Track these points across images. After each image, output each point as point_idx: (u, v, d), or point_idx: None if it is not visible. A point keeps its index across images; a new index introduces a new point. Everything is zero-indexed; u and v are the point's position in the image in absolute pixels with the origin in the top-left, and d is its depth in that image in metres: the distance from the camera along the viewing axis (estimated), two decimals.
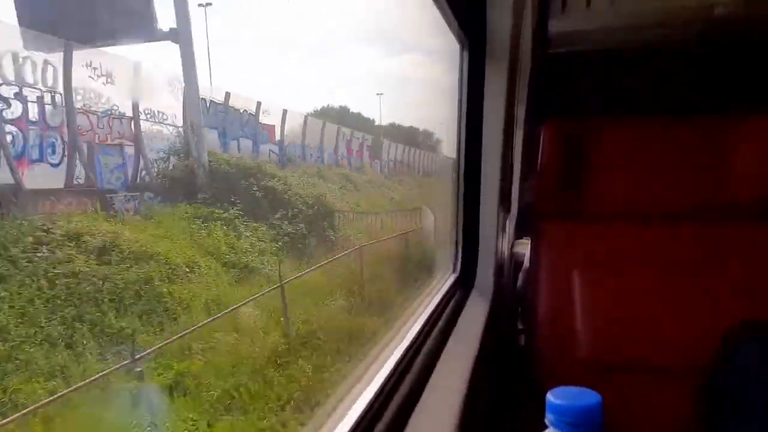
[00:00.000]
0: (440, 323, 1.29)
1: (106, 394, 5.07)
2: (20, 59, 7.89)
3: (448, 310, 1.39)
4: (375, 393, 0.88)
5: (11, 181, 7.50)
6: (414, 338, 1.14)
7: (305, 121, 14.70)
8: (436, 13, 1.32)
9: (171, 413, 5.07)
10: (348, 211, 11.83)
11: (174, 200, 9.10)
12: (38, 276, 6.14)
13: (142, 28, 9.60)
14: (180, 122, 10.37)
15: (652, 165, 1.38)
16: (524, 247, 1.81)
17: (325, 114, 16.07)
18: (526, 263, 1.68)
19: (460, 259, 1.71)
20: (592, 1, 1.95)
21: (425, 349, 1.11)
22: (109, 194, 8.43)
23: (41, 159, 8.14)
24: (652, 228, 1.34)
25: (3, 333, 5.14)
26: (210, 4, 11.63)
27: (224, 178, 10.03)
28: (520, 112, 2.05)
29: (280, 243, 9.23)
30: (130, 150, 9.44)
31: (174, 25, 10.09)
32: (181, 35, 10.00)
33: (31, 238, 6.50)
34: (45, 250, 6.50)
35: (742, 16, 1.93)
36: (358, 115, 19.86)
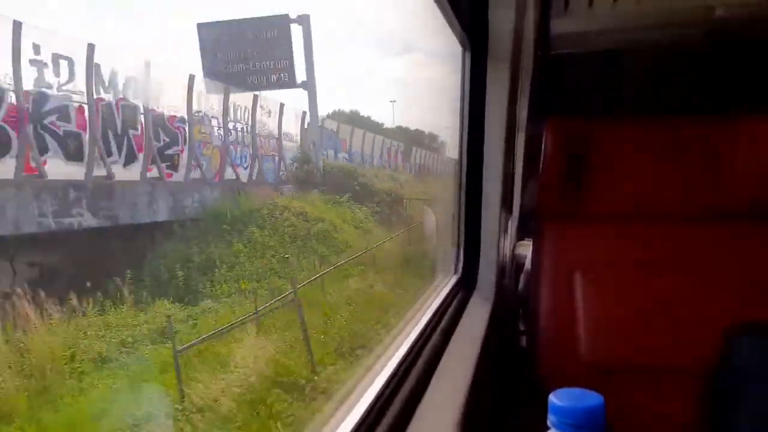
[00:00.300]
0: (442, 324, 1.21)
1: (333, 277, 9.22)
2: (235, 105, 12.99)
3: (449, 312, 1.30)
4: (377, 393, 0.83)
5: (233, 176, 12.27)
6: (416, 339, 1.07)
7: (364, 136, 19.30)
8: (438, 14, 1.20)
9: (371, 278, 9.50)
10: (406, 199, 16.12)
11: (304, 190, 13.64)
12: (278, 226, 10.71)
13: (289, 81, 14.48)
14: (297, 139, 15.30)
15: (653, 165, 1.33)
16: (526, 249, 1.66)
17: (338, 116, 18.84)
18: (528, 265, 1.56)
19: (461, 261, 1.58)
20: (594, 2, 1.76)
21: (427, 351, 1.05)
22: (279, 185, 13.31)
23: (240, 164, 12.66)
24: (655, 228, 1.29)
25: (276, 252, 9.82)
26: None
27: (333, 176, 14.68)
28: (522, 113, 1.81)
29: (375, 217, 14.05)
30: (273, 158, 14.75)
31: (305, 79, 14.70)
32: (309, 85, 14.65)
33: (266, 207, 11.19)
34: (277, 213, 11.19)
35: (742, 17, 1.73)
36: (368, 118, 21.73)
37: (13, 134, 7.46)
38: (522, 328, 1.64)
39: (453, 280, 1.58)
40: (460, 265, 1.60)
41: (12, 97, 7.38)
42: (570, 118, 1.47)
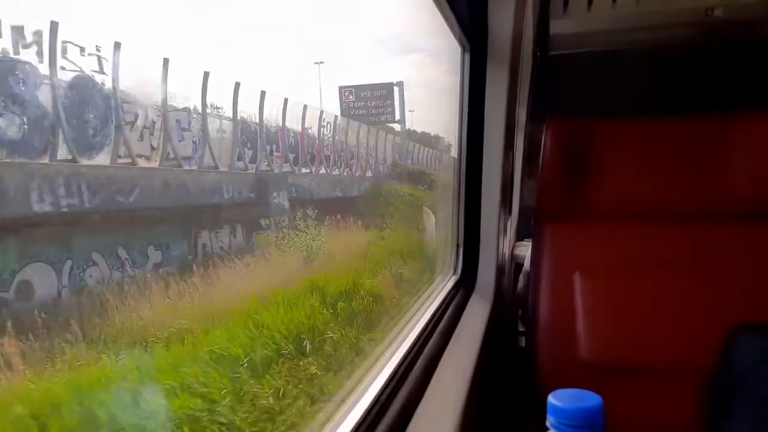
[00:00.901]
0: (441, 325, 1.06)
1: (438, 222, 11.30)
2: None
3: (449, 312, 1.15)
4: (377, 393, 0.72)
5: (368, 174, 17.66)
6: (415, 339, 0.91)
7: (418, 147, 23.72)
8: (438, 15, 1.06)
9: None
10: (453, 188, 21.72)
11: (401, 183, 19.13)
12: (403, 199, 17.67)
13: (391, 119, 21.60)
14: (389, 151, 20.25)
15: (653, 165, 1.21)
16: (525, 249, 1.43)
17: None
18: (527, 265, 1.38)
19: (461, 261, 1.37)
20: (592, 3, 1.45)
21: (427, 351, 0.92)
22: (388, 180, 19.30)
23: (368, 168, 17.68)
24: (654, 229, 1.18)
25: (407, 211, 16.75)
26: (323, 62, 21.55)
27: (413, 174, 20.84)
28: (522, 113, 1.42)
29: (440, 200, 17.72)
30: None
31: (398, 117, 20.35)
32: (401, 121, 20.83)
33: (394, 191, 17.70)
34: (400, 194, 17.54)
35: (742, 17, 1.37)
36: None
37: (315, 157, 14.23)
38: (521, 328, 1.21)
39: (452, 280, 1.18)
40: (460, 265, 1.24)
41: (316, 142, 14.77)
42: (569, 118, 1.46)
